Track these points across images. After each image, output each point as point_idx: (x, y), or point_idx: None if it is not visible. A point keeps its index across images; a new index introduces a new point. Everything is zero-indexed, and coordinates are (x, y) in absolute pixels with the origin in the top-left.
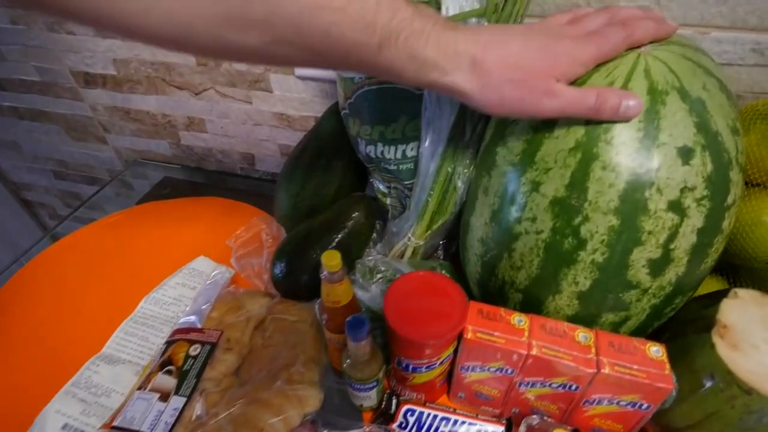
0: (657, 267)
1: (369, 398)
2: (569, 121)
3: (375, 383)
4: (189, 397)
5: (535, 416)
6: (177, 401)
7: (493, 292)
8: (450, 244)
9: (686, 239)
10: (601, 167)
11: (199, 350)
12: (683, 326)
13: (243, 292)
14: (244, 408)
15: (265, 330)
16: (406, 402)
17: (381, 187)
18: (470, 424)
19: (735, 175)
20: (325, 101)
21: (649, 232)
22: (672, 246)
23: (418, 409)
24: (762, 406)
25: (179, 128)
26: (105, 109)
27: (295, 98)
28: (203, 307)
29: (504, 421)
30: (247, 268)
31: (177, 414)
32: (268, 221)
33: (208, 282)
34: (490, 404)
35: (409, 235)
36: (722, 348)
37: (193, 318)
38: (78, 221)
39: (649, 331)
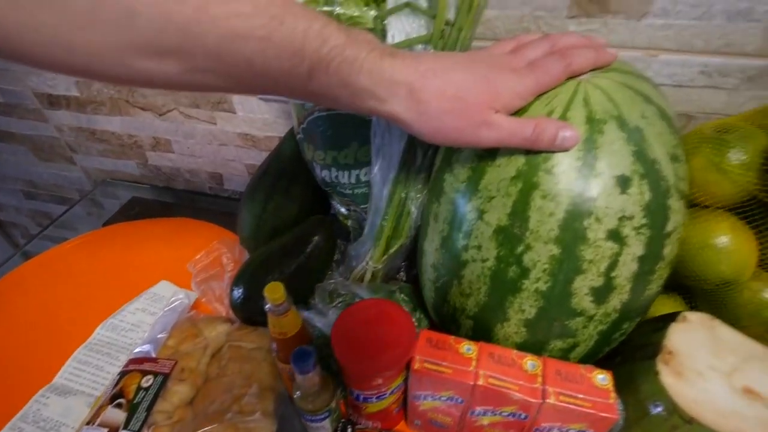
0: (600, 295)
1: (323, 428)
2: (511, 150)
3: (327, 414)
4: None
5: None
6: None
7: (446, 317)
8: (411, 265)
9: (627, 267)
10: (541, 196)
11: (151, 381)
12: (633, 351)
13: (202, 318)
14: None
15: (221, 358)
16: (361, 431)
17: (341, 209)
18: None
19: (674, 203)
20: (288, 122)
21: (590, 261)
22: (613, 274)
23: None
24: None
25: (146, 148)
26: (70, 129)
27: (259, 119)
28: (159, 335)
29: None
30: (208, 292)
31: None
32: (230, 244)
33: (166, 308)
34: (443, 431)
35: (368, 258)
36: (666, 375)
37: (147, 347)
38: (49, 240)
39: (600, 356)
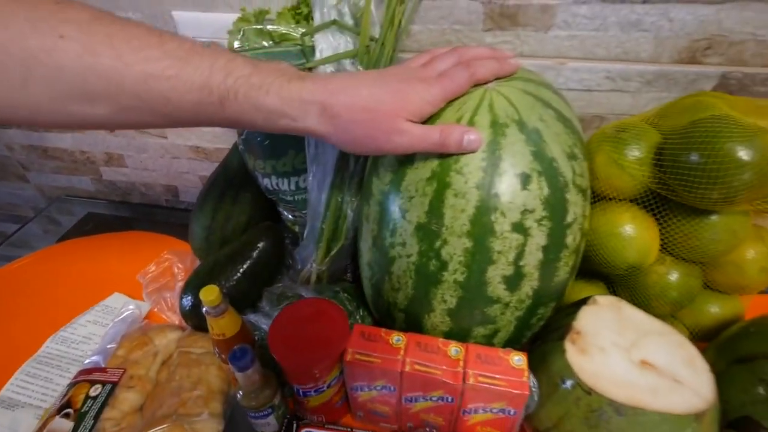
0: (512, 283)
1: (268, 425)
2: (426, 154)
3: (270, 410)
4: None
5: (427, 429)
6: None
7: (383, 312)
8: (357, 266)
9: (533, 256)
10: (453, 195)
11: (99, 390)
12: (549, 333)
13: (153, 327)
14: None
15: (171, 365)
16: (306, 425)
17: (288, 215)
18: None
19: (572, 197)
20: (236, 133)
21: (499, 252)
22: (522, 263)
23: (316, 431)
24: (601, 405)
25: (99, 164)
26: (22, 148)
27: (208, 132)
28: (109, 346)
29: None
30: (160, 302)
31: None
32: (181, 254)
33: (116, 319)
34: (386, 421)
35: (312, 261)
36: (572, 353)
37: (96, 358)
38: (4, 259)
39: (523, 340)
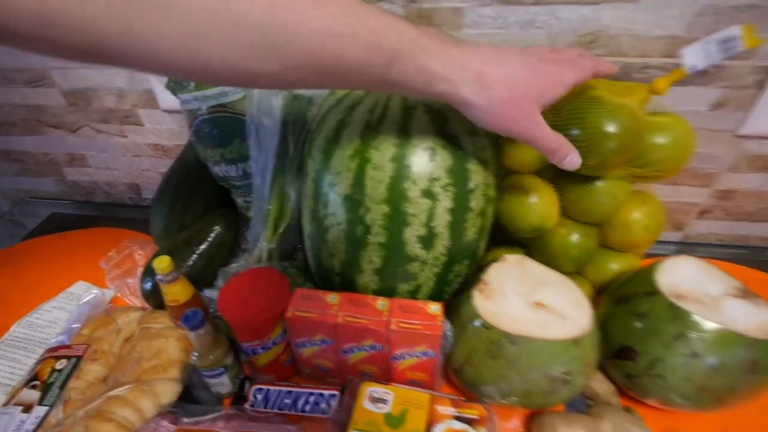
0: (427, 241)
1: (222, 384)
2: (350, 134)
3: (223, 369)
4: (52, 406)
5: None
6: (39, 411)
7: (324, 279)
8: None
9: (442, 218)
10: (372, 168)
11: (65, 364)
12: (465, 288)
13: (116, 309)
14: (98, 404)
15: (133, 340)
16: (256, 383)
17: (241, 201)
18: (310, 393)
19: (473, 166)
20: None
21: (413, 215)
22: (433, 224)
23: (266, 387)
24: (499, 338)
25: (62, 165)
26: None
27: (165, 129)
28: (73, 326)
29: (340, 388)
30: (123, 288)
31: (38, 422)
32: (142, 243)
33: (81, 303)
34: (329, 375)
35: (261, 240)
36: (478, 299)
37: (61, 338)
38: None
39: (445, 296)
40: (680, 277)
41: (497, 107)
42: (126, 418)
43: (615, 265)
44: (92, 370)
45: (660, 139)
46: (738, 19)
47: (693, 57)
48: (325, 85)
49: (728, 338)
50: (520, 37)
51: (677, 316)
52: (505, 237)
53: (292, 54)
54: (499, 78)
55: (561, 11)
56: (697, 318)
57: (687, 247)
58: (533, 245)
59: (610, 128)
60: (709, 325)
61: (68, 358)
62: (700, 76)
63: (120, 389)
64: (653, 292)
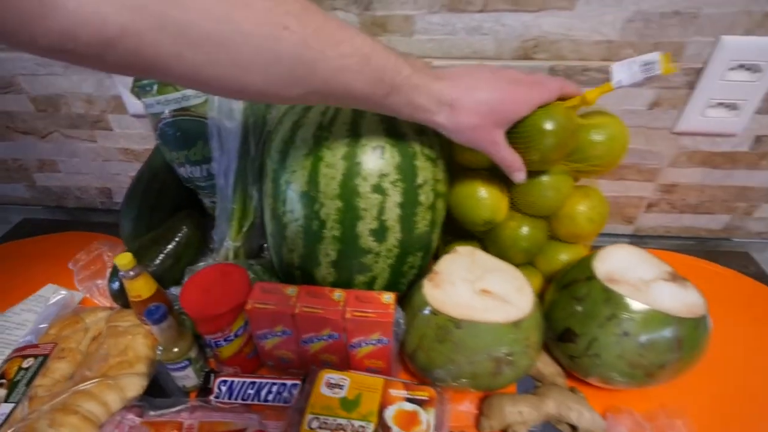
0: (379, 234)
1: (188, 378)
2: (304, 134)
3: (187, 362)
4: (18, 403)
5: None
6: (5, 407)
7: (286, 274)
8: None
9: (392, 212)
10: (325, 166)
11: (32, 362)
12: (419, 278)
13: (84, 309)
14: (64, 398)
15: (100, 338)
16: (221, 376)
17: (207, 202)
18: (272, 383)
19: (421, 163)
20: None
21: (364, 209)
22: (384, 218)
23: (230, 379)
24: (445, 323)
25: (32, 171)
26: None
27: (135, 134)
28: (41, 326)
29: (302, 377)
30: (92, 289)
31: (4, 418)
32: (112, 244)
33: (49, 304)
34: (291, 366)
35: (227, 239)
36: (428, 288)
37: (29, 338)
38: None
39: (402, 287)
40: (616, 263)
41: (465, 130)
42: (91, 411)
43: (564, 256)
44: (59, 368)
45: (596, 137)
46: (664, 24)
47: (619, 74)
48: (333, 104)
49: (656, 318)
50: (467, 42)
51: (610, 298)
52: (464, 231)
53: (312, 84)
54: (470, 107)
55: (505, 18)
56: (628, 300)
57: (638, 240)
58: (488, 238)
59: (548, 126)
60: (638, 306)
61: (35, 356)
62: None
63: (86, 384)
64: (591, 278)
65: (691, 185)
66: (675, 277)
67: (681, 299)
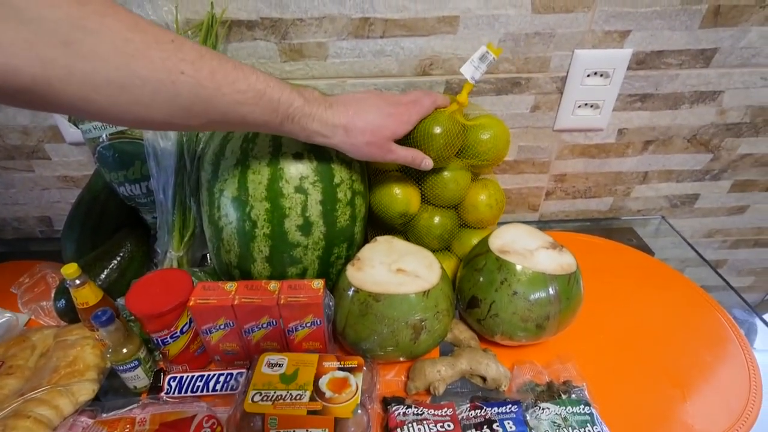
0: (305, 230)
1: (138, 378)
2: (232, 146)
3: (137, 362)
4: None
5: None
6: None
7: (226, 273)
8: None
9: (314, 209)
10: (252, 172)
11: None
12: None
13: (31, 329)
14: (15, 406)
15: (49, 353)
16: (169, 373)
17: (149, 218)
18: (220, 374)
19: (337, 165)
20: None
21: (290, 208)
22: (307, 214)
23: (179, 375)
24: (366, 298)
25: None
26: None
27: (74, 161)
28: None
29: (247, 366)
30: (37, 310)
31: None
32: (55, 267)
33: None
34: (237, 358)
35: (170, 250)
36: (351, 271)
37: None
38: None
39: (332, 276)
40: (508, 238)
41: (360, 148)
42: (43, 414)
43: (474, 240)
44: (8, 384)
45: (483, 135)
46: (529, 42)
47: (468, 72)
48: (233, 130)
49: (537, 277)
50: (374, 63)
51: (502, 266)
52: (388, 227)
53: (211, 116)
54: (360, 129)
55: (403, 42)
56: (515, 266)
57: (544, 224)
58: (408, 230)
59: (436, 130)
60: (522, 269)
61: None
62: (516, 86)
63: (36, 392)
64: (487, 251)
65: (577, 174)
66: (554, 245)
67: (557, 261)
